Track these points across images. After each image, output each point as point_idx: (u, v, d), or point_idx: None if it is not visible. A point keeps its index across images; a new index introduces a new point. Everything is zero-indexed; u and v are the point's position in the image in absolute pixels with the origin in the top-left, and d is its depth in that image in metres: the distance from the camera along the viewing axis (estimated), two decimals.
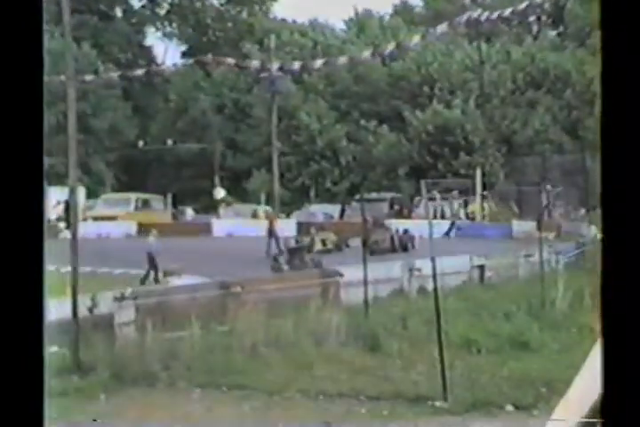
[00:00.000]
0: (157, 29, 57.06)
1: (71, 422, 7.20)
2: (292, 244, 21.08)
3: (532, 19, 51.27)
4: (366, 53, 42.00)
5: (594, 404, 2.41)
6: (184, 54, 54.97)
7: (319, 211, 37.81)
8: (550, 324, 12.29)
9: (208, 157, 46.55)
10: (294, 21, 52.67)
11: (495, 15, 41.91)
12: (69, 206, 11.51)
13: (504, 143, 42.03)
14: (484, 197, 36.53)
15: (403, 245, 24.94)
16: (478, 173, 37.54)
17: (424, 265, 13.44)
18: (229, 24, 54.45)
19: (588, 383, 2.44)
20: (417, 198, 36.00)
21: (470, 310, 13.41)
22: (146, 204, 39.34)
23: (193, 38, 55.24)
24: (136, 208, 38.33)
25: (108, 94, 48.38)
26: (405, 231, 25.95)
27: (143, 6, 56.00)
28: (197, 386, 9.41)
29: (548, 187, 33.49)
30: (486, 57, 42.95)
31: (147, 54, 55.65)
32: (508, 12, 42.16)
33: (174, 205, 41.61)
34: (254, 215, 37.55)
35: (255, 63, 43.24)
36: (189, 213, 41.58)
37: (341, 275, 14.20)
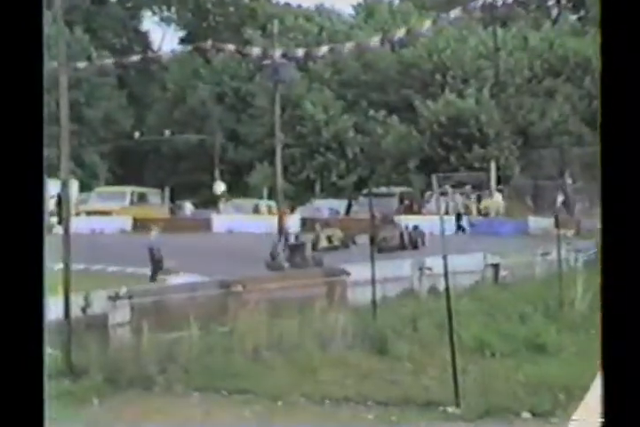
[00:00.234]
0: (154, 14, 57.09)
1: None
2: (292, 240, 21.08)
3: (550, 2, 51.12)
4: (375, 40, 41.88)
5: None
6: (182, 40, 54.97)
7: (324, 206, 37.82)
8: (569, 326, 12.28)
9: (207, 149, 46.58)
10: (299, 6, 52.71)
11: None
12: (61, 200, 11.51)
13: (520, 135, 41.96)
14: (498, 192, 36.49)
15: (413, 242, 24.97)
16: (493, 166, 37.52)
17: (435, 263, 13.42)
18: (230, 8, 54.42)
19: None
20: (428, 193, 35.98)
21: (484, 311, 13.39)
22: (142, 198, 39.39)
23: (192, 23, 55.22)
24: (131, 202, 38.37)
25: (102, 82, 48.43)
26: (415, 228, 25.96)
27: None
28: (196, 390, 9.42)
29: (568, 181, 33.40)
30: (502, 43, 42.85)
31: (143, 40, 55.67)
32: None
33: (172, 199, 41.67)
34: (256, 211, 37.59)
35: (257, 50, 43.15)
36: (188, 207, 41.64)
37: (348, 274, 14.21)
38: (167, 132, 46.36)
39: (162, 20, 57.27)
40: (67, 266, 10.63)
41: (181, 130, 47.41)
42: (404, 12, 49.81)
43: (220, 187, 42.14)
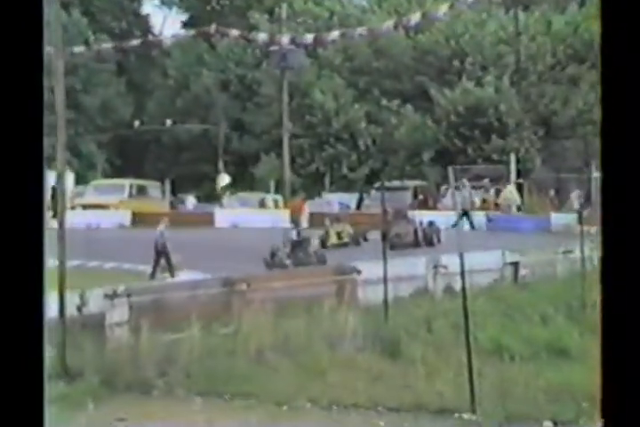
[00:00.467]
0: None
1: None
2: (294, 236, 20.98)
3: None
4: (388, 24, 41.81)
5: None
6: (185, 24, 54.92)
7: (334, 200, 37.80)
8: (592, 328, 12.18)
9: (211, 140, 46.60)
10: None
11: None
12: (56, 193, 11.51)
13: (542, 125, 41.82)
14: (518, 186, 36.38)
15: (427, 238, 24.92)
16: (513, 158, 37.42)
17: (451, 261, 13.39)
18: None
19: None
20: (444, 187, 35.90)
21: (502, 312, 13.36)
22: (141, 191, 39.45)
23: (195, 6, 55.18)
24: (130, 196, 38.44)
25: (100, 68, 48.48)
26: (430, 224, 25.92)
27: None
28: (197, 394, 9.43)
29: (594, 174, 33.23)
30: (523, 27, 42.67)
31: (143, 24, 55.66)
32: None
33: (173, 192, 41.73)
34: (262, 205, 37.61)
35: (264, 35, 43.17)
36: (190, 201, 41.69)
37: (359, 272, 14.20)
38: (168, 122, 46.38)
39: (163, 2, 57.28)
40: (61, 262, 10.64)
41: (183, 119, 47.44)
42: None
43: (223, 179, 42.18)
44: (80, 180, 39.64)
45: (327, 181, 40.09)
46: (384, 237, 15.68)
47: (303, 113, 44.34)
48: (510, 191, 34.64)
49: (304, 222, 25.34)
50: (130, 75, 51.44)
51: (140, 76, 51.65)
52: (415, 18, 40.77)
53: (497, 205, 34.80)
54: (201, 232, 29.07)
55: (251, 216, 33.52)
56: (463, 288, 9.62)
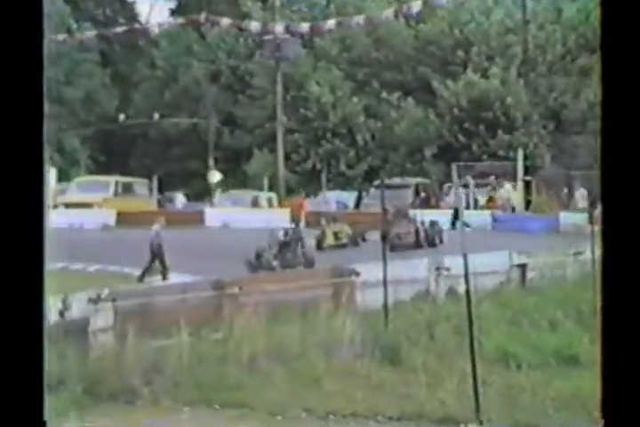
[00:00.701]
0: None
1: None
2: (281, 236, 20.91)
3: None
4: (388, 12, 41.80)
5: None
6: (173, 12, 54.90)
7: (331, 199, 37.82)
8: None
9: (201, 134, 46.60)
10: None
11: None
12: None
13: (551, 119, 41.88)
14: (526, 184, 36.42)
15: (429, 239, 24.94)
16: (520, 154, 37.43)
17: (454, 263, 13.41)
18: None
19: None
20: (447, 185, 35.93)
21: (509, 316, 13.38)
22: (127, 188, 39.43)
23: None
24: (115, 193, 38.41)
25: (84, 58, 48.44)
26: (433, 223, 25.93)
27: None
28: (186, 404, 9.43)
29: None
30: (532, 15, 42.73)
31: (129, 11, 55.67)
32: None
33: (160, 190, 41.70)
34: (255, 203, 37.61)
35: (257, 24, 43.14)
36: (179, 199, 41.68)
37: (357, 274, 14.21)
38: (156, 115, 46.36)
39: None
40: None
41: (172, 113, 47.43)
42: None
43: (214, 176, 42.18)
44: (62, 176, 39.56)
45: (324, 178, 40.10)
46: (384, 237, 15.68)
47: (298, 106, 44.35)
48: (507, 190, 34.61)
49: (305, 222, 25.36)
50: (115, 65, 51.41)
51: (126, 66, 51.63)
52: (416, 5, 40.76)
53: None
54: (190, 232, 29.04)
55: (243, 215, 33.51)
56: (467, 292, 9.63)
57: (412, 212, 26.75)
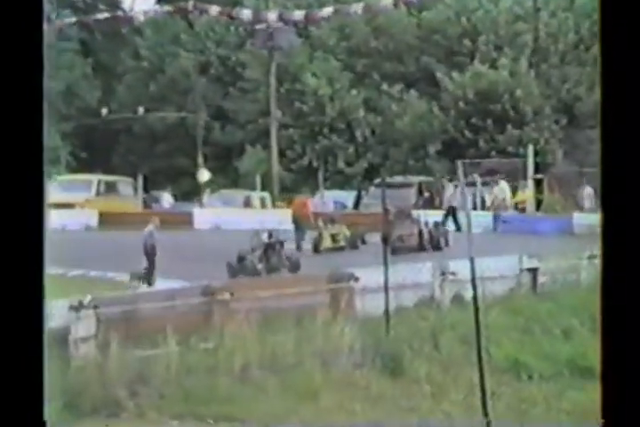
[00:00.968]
0: None
1: None
2: (265, 238, 20.95)
3: None
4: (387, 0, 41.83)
5: None
6: None
7: (329, 198, 37.82)
8: None
9: (189, 130, 46.56)
10: None
11: None
12: None
13: (564, 113, 41.91)
14: (537, 182, 36.44)
15: (434, 241, 24.94)
16: (530, 151, 37.44)
17: (461, 267, 13.41)
18: None
19: None
20: (452, 183, 35.93)
21: (519, 324, 13.40)
22: (110, 188, 39.44)
23: None
24: (98, 193, 38.44)
25: (63, 48, 48.32)
26: (437, 225, 25.95)
27: None
28: (173, 417, 9.44)
29: None
30: (543, 2, 42.76)
31: None
32: None
33: (146, 189, 41.69)
34: (247, 203, 37.61)
35: (248, 12, 43.15)
36: (166, 199, 41.67)
37: (356, 279, 14.21)
38: (141, 109, 46.34)
39: None
40: None
41: (158, 106, 47.40)
42: None
43: (203, 175, 42.18)
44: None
45: (320, 176, 40.09)
46: (385, 239, 15.70)
47: (293, 99, 44.34)
48: (502, 189, 34.52)
49: (312, 222, 25.28)
50: (96, 55, 51.35)
51: (109, 57, 51.57)
52: None
53: (519, 203, 34.83)
54: (178, 234, 29.03)
55: (234, 216, 33.51)
56: (474, 298, 9.64)
57: (414, 212, 26.76)
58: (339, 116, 44.32)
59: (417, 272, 15.56)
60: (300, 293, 13.50)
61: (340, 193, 39.50)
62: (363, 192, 37.67)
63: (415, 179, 37.58)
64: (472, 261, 9.67)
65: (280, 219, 31.47)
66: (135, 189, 40.54)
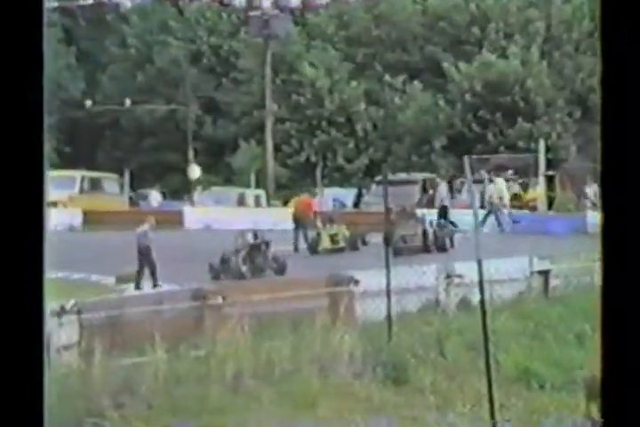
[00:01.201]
0: None
1: None
2: (250, 238, 21.03)
3: None
4: None
5: None
6: None
7: (327, 196, 37.82)
8: None
9: (179, 123, 46.57)
10: None
11: None
12: None
13: (578, 105, 41.94)
14: (548, 179, 36.46)
15: (438, 242, 24.96)
16: (542, 145, 37.46)
17: (467, 270, 13.42)
18: None
19: None
20: (458, 180, 35.96)
21: (530, 330, 13.41)
22: (95, 185, 39.43)
23: None
24: (82, 190, 38.42)
25: (45, 35, 48.33)
26: (442, 224, 25.96)
27: None
28: None
29: None
30: None
31: None
32: None
33: (133, 186, 41.69)
34: (241, 202, 37.61)
35: None
36: (154, 197, 41.63)
37: (356, 282, 14.22)
38: (127, 101, 46.33)
39: None
40: None
41: (145, 98, 47.40)
42: None
43: (194, 171, 42.18)
44: None
45: (319, 173, 40.09)
46: (387, 240, 15.70)
47: (290, 91, 44.35)
48: (498, 188, 34.37)
49: (317, 223, 25.28)
50: (80, 44, 51.33)
51: (93, 45, 51.55)
52: None
53: (530, 202, 34.78)
54: (167, 235, 29.01)
55: (227, 216, 33.50)
56: (482, 302, 9.64)
57: (418, 211, 26.78)
58: (338, 110, 44.34)
59: (421, 275, 15.56)
60: (296, 297, 13.50)
61: (339, 191, 39.50)
62: (363, 190, 37.68)
63: (419, 176, 37.58)
64: (479, 262, 9.67)
65: (276, 218, 31.50)
66: (121, 187, 40.54)
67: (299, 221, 25.92)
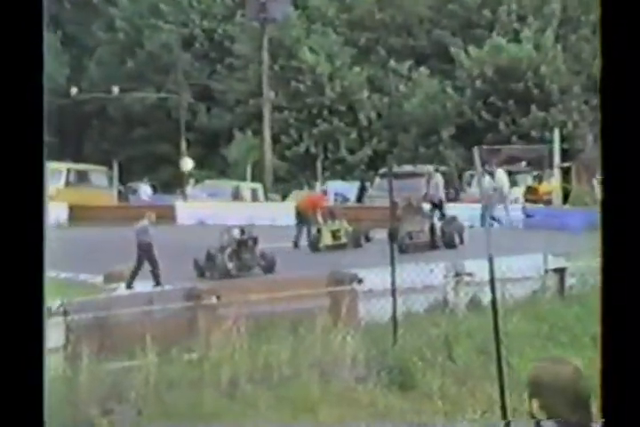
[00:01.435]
0: None
1: None
2: (236, 234, 21.12)
3: None
4: None
5: None
6: None
7: (329, 190, 37.83)
8: None
9: (171, 112, 46.56)
10: None
11: None
12: None
13: (595, 92, 41.88)
14: (564, 171, 36.47)
15: (447, 238, 24.96)
16: (557, 135, 37.46)
17: (477, 268, 13.43)
18: None
19: None
20: (468, 173, 35.99)
21: (544, 332, 13.42)
22: (82, 177, 39.44)
23: None
24: (67, 184, 38.42)
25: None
26: (451, 220, 25.97)
27: None
28: None
29: None
30: None
31: None
32: None
33: (122, 179, 41.70)
34: (236, 195, 37.62)
35: None
36: (144, 191, 41.68)
37: (359, 281, 14.23)
38: (115, 89, 46.33)
39: None
40: None
41: (135, 86, 47.39)
42: None
43: (187, 163, 42.19)
44: None
45: (319, 165, 40.12)
46: (392, 236, 15.72)
47: (288, 78, 44.34)
48: (499, 178, 34.26)
49: (318, 219, 25.31)
50: (65, 28, 51.31)
51: (79, 29, 51.54)
52: None
53: (544, 195, 34.79)
54: (158, 230, 29.05)
55: (221, 210, 33.51)
56: (493, 302, 9.65)
57: (425, 205, 26.79)
58: (340, 97, 44.32)
59: (428, 273, 15.57)
60: (296, 296, 13.51)
61: (341, 184, 39.52)
62: (367, 183, 37.69)
63: (426, 168, 37.57)
64: (490, 260, 9.69)
65: (273, 213, 31.52)
66: (110, 180, 40.55)
67: (302, 217, 25.93)
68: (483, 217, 28.90)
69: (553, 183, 35.85)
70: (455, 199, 34.13)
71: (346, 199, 37.02)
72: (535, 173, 36.35)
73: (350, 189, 38.52)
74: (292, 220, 26.95)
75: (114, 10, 50.22)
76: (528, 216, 31.47)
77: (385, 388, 10.99)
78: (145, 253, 18.85)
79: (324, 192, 30.14)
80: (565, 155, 37.48)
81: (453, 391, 10.58)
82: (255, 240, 21.08)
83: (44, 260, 3.24)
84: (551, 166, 36.49)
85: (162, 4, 48.99)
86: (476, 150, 12.84)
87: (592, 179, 35.90)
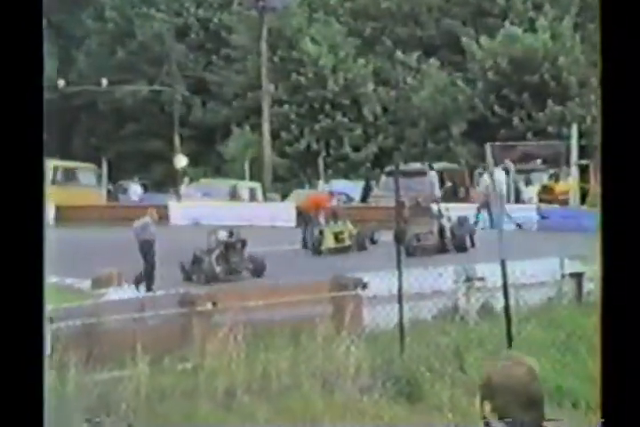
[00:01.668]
0: None
1: None
2: (224, 236, 21.16)
3: None
4: None
5: None
6: None
7: (333, 189, 37.86)
8: None
9: (164, 106, 46.60)
10: None
11: None
12: None
13: None
14: (582, 169, 36.45)
15: (457, 241, 24.97)
16: (574, 131, 37.44)
17: (489, 272, 13.42)
18: None
19: None
20: (479, 171, 35.98)
21: (561, 341, 13.41)
22: (69, 176, 39.49)
23: None
24: (54, 182, 38.42)
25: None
26: (461, 221, 25.97)
27: None
28: None
29: None
30: None
31: None
32: None
33: (111, 177, 41.74)
34: (233, 195, 37.65)
35: None
36: (134, 190, 41.73)
37: (364, 286, 14.24)
38: (105, 81, 46.36)
39: None
40: None
41: (126, 78, 47.44)
42: None
43: (181, 161, 42.23)
44: None
45: (321, 163, 40.15)
46: (399, 238, 15.70)
47: (289, 70, 44.37)
48: (496, 176, 34.13)
49: (320, 220, 25.34)
50: (52, 16, 51.37)
51: (67, 19, 51.62)
52: None
53: (560, 195, 34.77)
54: None
55: (218, 210, 33.55)
56: (506, 309, 9.65)
57: (434, 206, 26.80)
58: (343, 91, 44.34)
59: (437, 278, 15.57)
60: (296, 302, 13.52)
61: (344, 183, 39.56)
62: (372, 182, 37.71)
63: (436, 166, 37.61)
64: (503, 264, 9.69)
65: (272, 213, 31.56)
66: (99, 178, 40.60)
67: (305, 218, 25.97)
68: (490, 218, 29.07)
69: (570, 182, 35.81)
70: (465, 199, 34.15)
71: (350, 199, 37.04)
72: (551, 171, 36.35)
73: (354, 188, 38.56)
74: (291, 220, 27.01)
75: None
76: (543, 217, 31.48)
77: (391, 399, 10.99)
78: (145, 252, 18.87)
79: (331, 193, 30.12)
80: (583, 152, 37.41)
81: (464, 403, 10.57)
82: (244, 243, 21.13)
83: (43, 260, 3.39)
84: (568, 164, 36.45)
85: None
86: (488, 147, 12.85)
87: None
